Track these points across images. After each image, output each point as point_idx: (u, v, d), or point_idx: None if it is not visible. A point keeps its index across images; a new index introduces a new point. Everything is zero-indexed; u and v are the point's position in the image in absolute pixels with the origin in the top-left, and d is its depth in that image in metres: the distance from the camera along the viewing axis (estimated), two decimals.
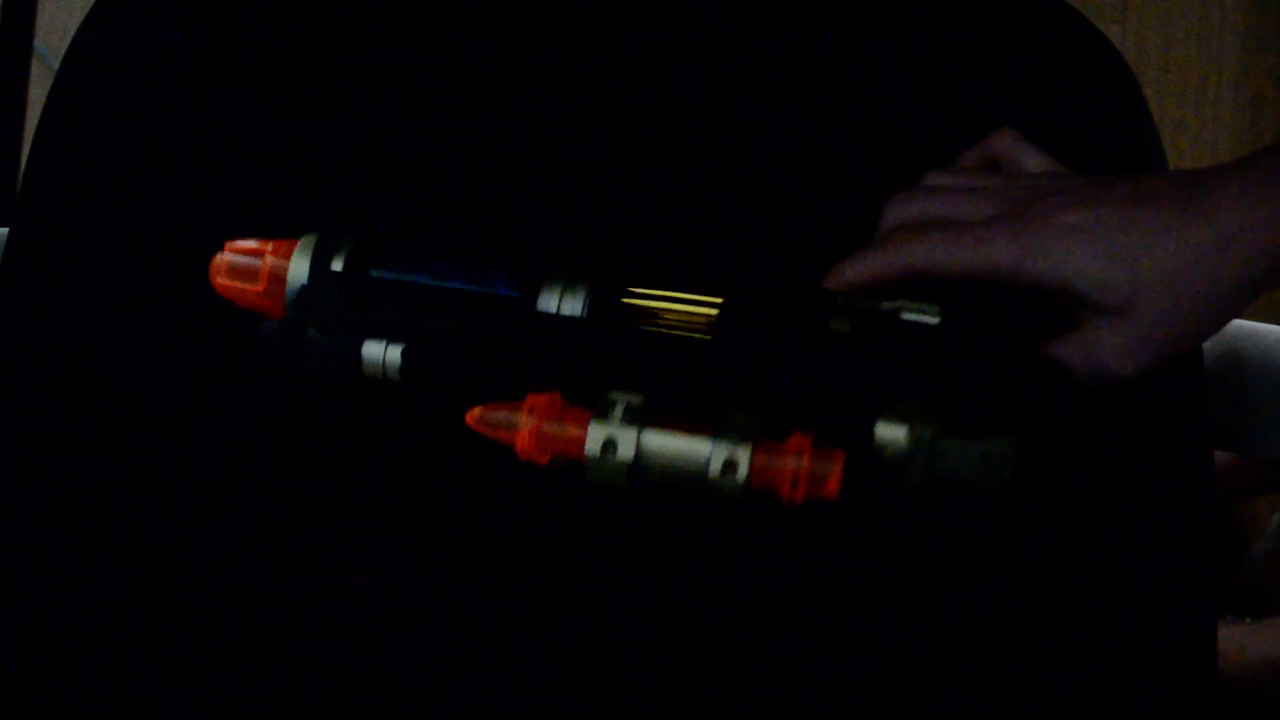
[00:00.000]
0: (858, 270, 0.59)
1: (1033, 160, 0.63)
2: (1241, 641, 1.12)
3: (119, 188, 0.65)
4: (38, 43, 1.09)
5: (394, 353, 0.57)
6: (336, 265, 0.59)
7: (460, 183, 0.67)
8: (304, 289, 0.58)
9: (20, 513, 0.64)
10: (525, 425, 0.53)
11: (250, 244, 0.60)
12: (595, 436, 0.52)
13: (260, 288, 0.60)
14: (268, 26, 0.67)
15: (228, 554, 0.63)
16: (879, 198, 0.64)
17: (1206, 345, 0.72)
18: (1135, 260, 0.55)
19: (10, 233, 0.66)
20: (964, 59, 0.72)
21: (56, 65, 0.68)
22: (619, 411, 0.52)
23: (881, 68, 0.71)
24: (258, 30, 0.67)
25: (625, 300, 0.57)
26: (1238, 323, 0.76)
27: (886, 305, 0.56)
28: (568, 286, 0.56)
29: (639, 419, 0.52)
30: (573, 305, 0.55)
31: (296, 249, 0.59)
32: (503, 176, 0.67)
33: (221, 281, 0.60)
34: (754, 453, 0.51)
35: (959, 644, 0.67)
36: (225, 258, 0.60)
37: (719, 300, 0.56)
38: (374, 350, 0.57)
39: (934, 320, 0.56)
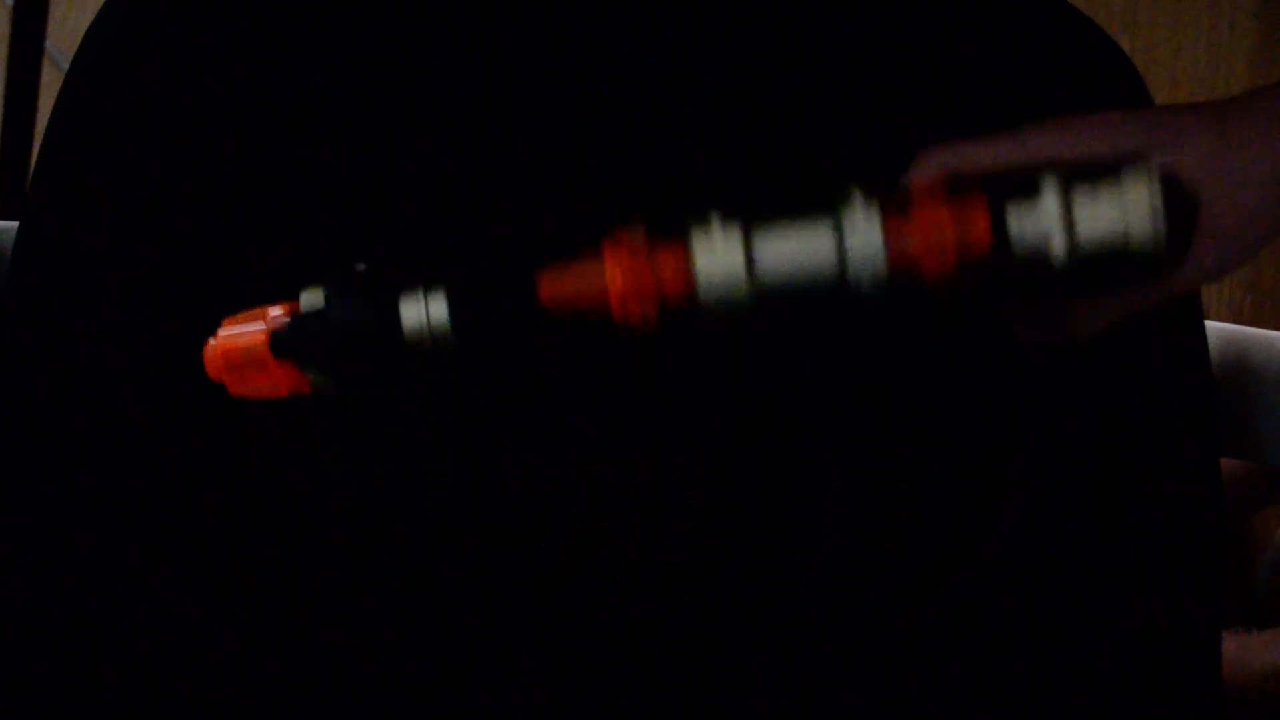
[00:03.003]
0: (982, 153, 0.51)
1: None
2: (1249, 651, 1.11)
3: (126, 184, 0.66)
4: (49, 45, 1.10)
5: (439, 308, 0.46)
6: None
7: (457, 174, 0.67)
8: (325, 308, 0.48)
9: (20, 506, 0.64)
10: (615, 270, 0.43)
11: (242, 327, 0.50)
12: (705, 254, 0.42)
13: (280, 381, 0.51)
14: (271, 28, 0.68)
15: (227, 554, 0.64)
16: None
17: (1214, 352, 0.72)
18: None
19: (20, 227, 0.66)
20: (975, 68, 0.72)
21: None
22: (716, 224, 0.42)
23: (891, 78, 0.71)
24: (261, 31, 0.68)
25: None
26: (1245, 329, 0.76)
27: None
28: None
29: (745, 223, 0.43)
30: None
31: (303, 295, 0.50)
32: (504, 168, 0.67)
33: (238, 384, 0.52)
34: (885, 219, 0.42)
35: (963, 651, 0.67)
36: (221, 341, 0.51)
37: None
38: (414, 311, 0.46)
39: None
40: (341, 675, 0.64)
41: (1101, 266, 0.45)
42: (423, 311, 0.46)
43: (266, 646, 0.64)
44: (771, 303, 0.43)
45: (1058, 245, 0.44)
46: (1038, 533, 0.68)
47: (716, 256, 0.42)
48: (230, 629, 0.64)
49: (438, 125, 0.67)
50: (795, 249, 0.42)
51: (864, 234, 0.42)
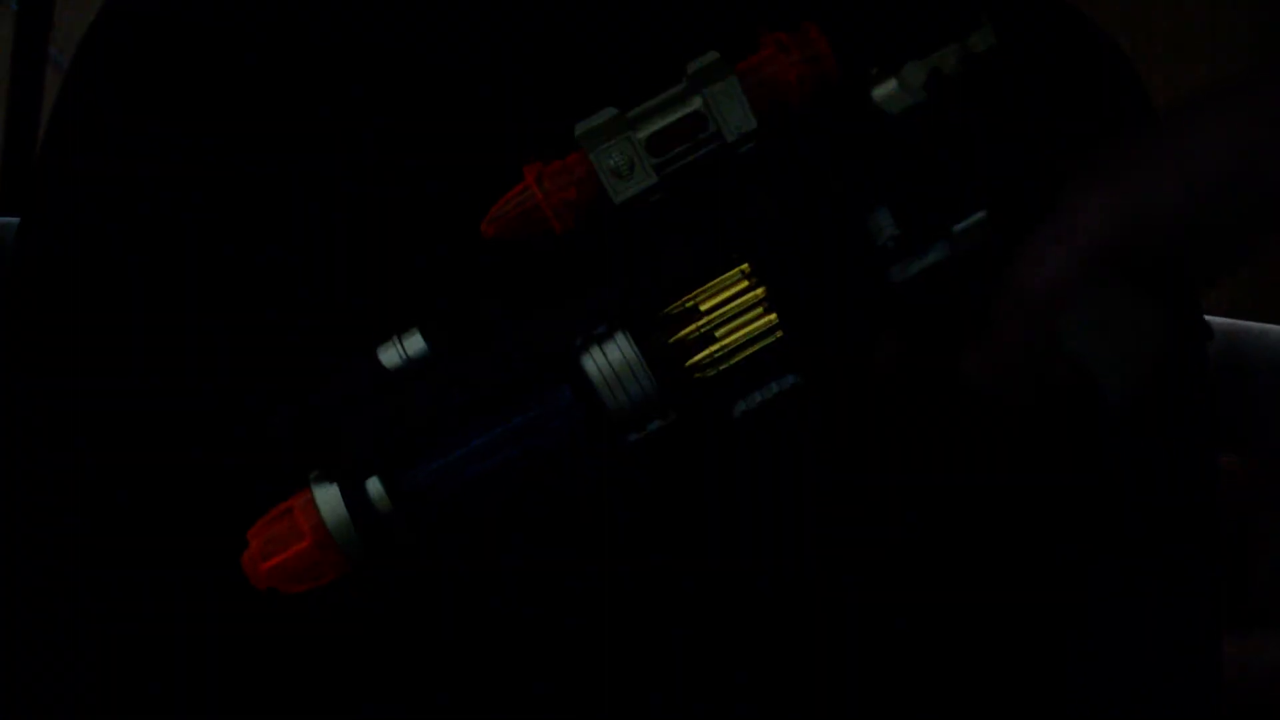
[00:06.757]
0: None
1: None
2: (1250, 653, 1.11)
3: (127, 180, 0.66)
4: (52, 48, 1.10)
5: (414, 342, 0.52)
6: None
7: (445, 178, 0.67)
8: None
9: (20, 507, 0.64)
10: (539, 189, 0.51)
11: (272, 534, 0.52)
12: (601, 156, 0.50)
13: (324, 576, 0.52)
14: (271, 29, 0.68)
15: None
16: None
17: (1212, 347, 0.72)
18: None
19: (22, 222, 0.66)
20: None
21: None
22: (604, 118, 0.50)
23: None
24: (262, 31, 0.68)
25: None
26: (1240, 323, 0.76)
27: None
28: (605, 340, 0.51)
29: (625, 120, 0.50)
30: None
31: (323, 512, 0.51)
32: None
33: (288, 587, 0.53)
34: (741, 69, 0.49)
35: (960, 652, 0.67)
36: (259, 560, 0.52)
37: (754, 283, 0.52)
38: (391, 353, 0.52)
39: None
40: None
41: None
42: (400, 350, 0.52)
43: None
44: (671, 179, 0.50)
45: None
46: (1031, 530, 0.68)
47: (617, 147, 0.49)
48: None
49: (437, 131, 0.68)
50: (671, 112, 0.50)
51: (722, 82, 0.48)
